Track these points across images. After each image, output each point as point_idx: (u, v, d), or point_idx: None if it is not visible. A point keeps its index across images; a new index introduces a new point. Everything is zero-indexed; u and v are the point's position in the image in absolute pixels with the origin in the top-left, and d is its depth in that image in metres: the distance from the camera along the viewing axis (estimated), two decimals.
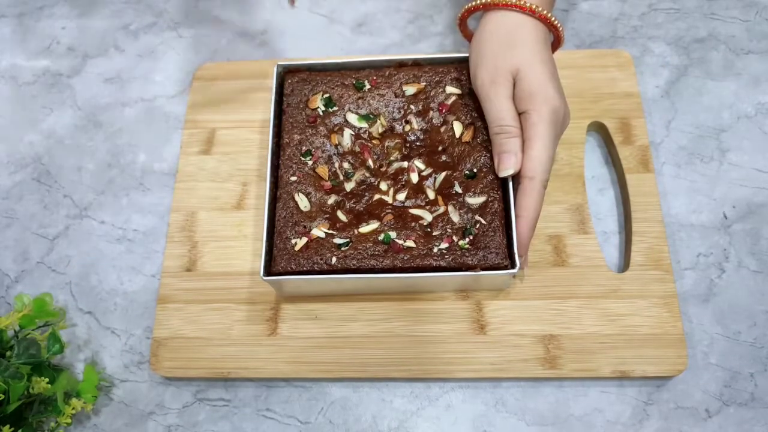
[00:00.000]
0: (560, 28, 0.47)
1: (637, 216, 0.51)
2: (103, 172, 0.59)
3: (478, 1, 0.48)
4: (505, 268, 0.45)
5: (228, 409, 0.49)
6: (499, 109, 0.45)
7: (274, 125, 0.50)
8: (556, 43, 0.49)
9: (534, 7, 0.46)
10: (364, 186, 0.48)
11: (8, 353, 0.47)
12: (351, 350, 0.48)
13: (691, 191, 0.53)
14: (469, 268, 0.45)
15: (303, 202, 0.48)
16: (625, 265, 0.50)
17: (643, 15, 0.61)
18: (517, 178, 0.45)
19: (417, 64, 0.51)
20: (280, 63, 0.52)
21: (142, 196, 0.57)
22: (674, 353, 0.46)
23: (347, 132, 0.50)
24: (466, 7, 0.49)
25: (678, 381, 0.47)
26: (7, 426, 0.44)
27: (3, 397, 0.43)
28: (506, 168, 0.45)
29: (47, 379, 0.46)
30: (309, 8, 0.65)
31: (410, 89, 0.50)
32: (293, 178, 0.49)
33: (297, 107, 0.51)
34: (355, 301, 0.50)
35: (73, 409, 0.46)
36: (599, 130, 0.55)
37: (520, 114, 0.45)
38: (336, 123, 0.50)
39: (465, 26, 0.52)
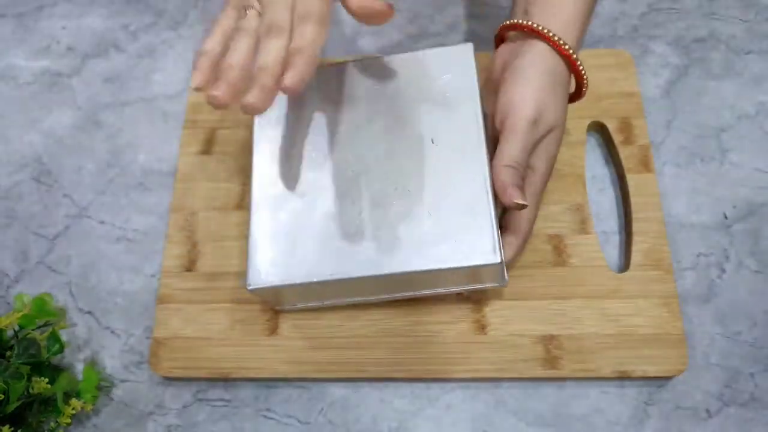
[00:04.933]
0: (585, 81, 0.46)
1: (638, 216, 0.51)
2: (103, 172, 0.59)
3: (523, 22, 0.45)
4: None
5: (228, 409, 0.49)
6: (523, 148, 0.43)
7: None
8: (575, 96, 0.48)
9: (575, 57, 0.44)
10: None
11: (8, 353, 0.47)
12: (351, 350, 0.48)
13: (691, 191, 0.53)
14: None
15: None
16: (625, 265, 0.50)
17: (643, 15, 0.61)
18: None
19: None
20: None
21: (142, 196, 0.57)
22: (674, 353, 0.46)
23: None
24: (508, 23, 0.46)
25: (678, 381, 0.47)
26: (7, 426, 0.44)
27: (3, 397, 0.43)
28: (515, 197, 0.43)
29: (47, 379, 0.46)
30: None
31: None
32: None
33: None
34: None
35: (73, 409, 0.46)
36: (599, 130, 0.55)
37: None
38: None
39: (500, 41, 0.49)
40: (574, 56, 0.44)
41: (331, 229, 0.44)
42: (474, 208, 0.43)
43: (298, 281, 0.44)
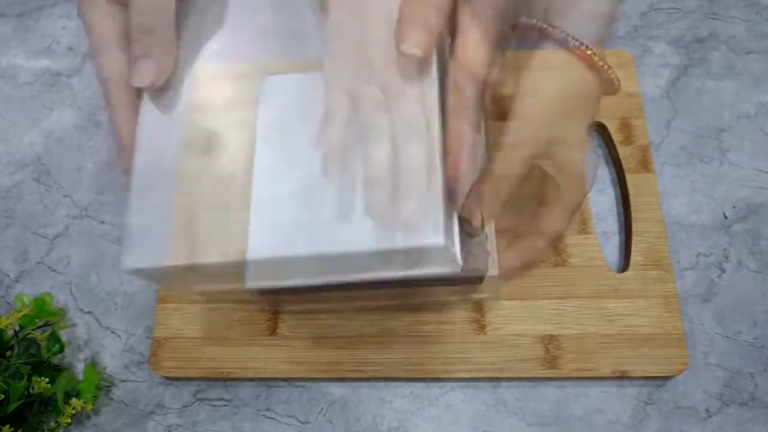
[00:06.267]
0: (617, 84, 0.39)
1: (637, 216, 0.51)
2: (103, 172, 0.59)
3: (540, 23, 0.38)
4: None
5: (228, 409, 0.49)
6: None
7: None
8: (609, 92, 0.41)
9: (601, 64, 0.37)
10: None
11: (8, 353, 0.47)
12: (351, 350, 0.48)
13: (691, 191, 0.53)
14: None
15: None
16: (625, 265, 0.50)
17: (643, 15, 0.61)
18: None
19: None
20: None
21: None
22: (674, 353, 0.46)
23: None
24: (522, 19, 0.40)
25: (678, 381, 0.47)
26: (7, 426, 0.44)
27: (3, 397, 0.43)
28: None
29: (47, 379, 0.46)
30: None
31: None
32: None
33: None
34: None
35: (73, 409, 0.46)
36: (599, 130, 0.55)
37: None
38: None
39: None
40: (602, 63, 0.38)
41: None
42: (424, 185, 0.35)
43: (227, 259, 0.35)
